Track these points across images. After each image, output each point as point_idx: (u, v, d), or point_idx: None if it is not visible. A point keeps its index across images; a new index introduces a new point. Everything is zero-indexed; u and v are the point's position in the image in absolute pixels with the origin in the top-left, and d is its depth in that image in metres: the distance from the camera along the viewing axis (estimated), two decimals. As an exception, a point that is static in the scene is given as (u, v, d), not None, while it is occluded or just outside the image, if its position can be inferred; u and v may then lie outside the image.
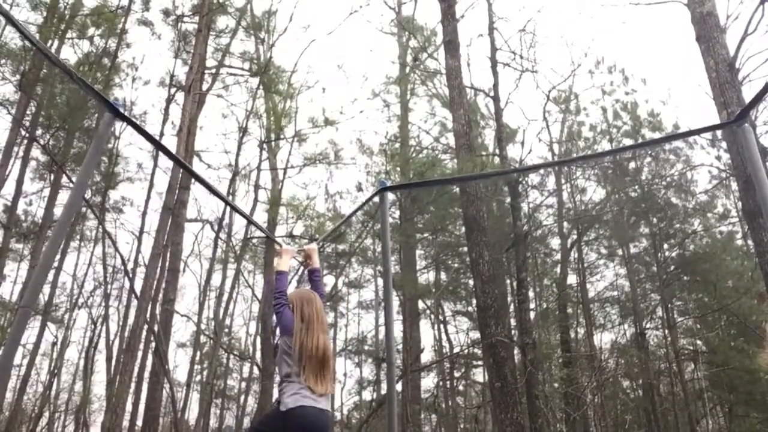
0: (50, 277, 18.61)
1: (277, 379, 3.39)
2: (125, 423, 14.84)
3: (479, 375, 22.90)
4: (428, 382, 22.87)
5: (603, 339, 21.75)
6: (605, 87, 18.12)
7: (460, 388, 24.93)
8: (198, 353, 20.82)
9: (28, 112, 14.02)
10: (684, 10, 10.34)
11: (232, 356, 24.24)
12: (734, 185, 16.86)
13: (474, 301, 14.47)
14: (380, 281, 22.39)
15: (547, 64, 30.29)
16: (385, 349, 21.91)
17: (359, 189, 15.56)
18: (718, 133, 13.18)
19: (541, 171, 16.53)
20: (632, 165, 18.34)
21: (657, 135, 18.63)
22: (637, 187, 18.64)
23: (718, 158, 17.96)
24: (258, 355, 18.86)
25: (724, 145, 15.39)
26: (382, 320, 22.57)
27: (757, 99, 3.84)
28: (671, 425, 19.81)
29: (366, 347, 23.97)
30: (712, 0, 9.84)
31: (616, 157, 17.49)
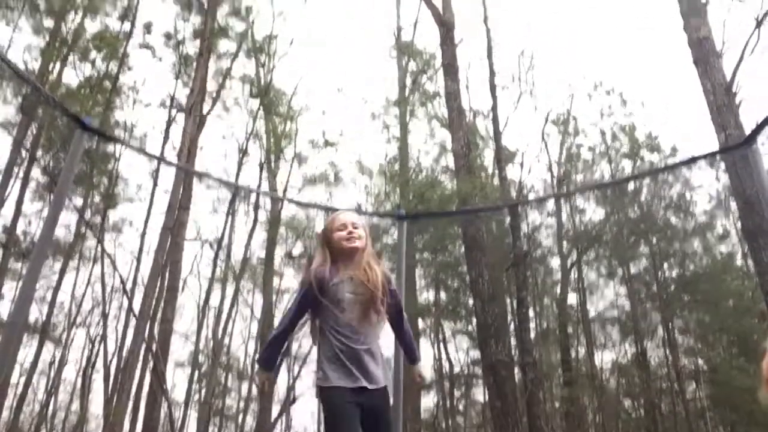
0: (48, 296, 18.59)
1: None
2: (123, 443, 14.73)
3: (479, 394, 22.77)
4: (428, 401, 22.72)
5: (604, 358, 21.66)
6: (603, 109, 18.25)
7: (460, 407, 24.76)
8: (196, 372, 20.72)
9: (28, 133, 14.09)
10: (682, 33, 10.44)
11: (230, 375, 24.12)
12: (733, 206, 16.91)
13: (474, 321, 14.45)
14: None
15: (546, 86, 30.44)
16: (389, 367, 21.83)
17: (359, 211, 15.54)
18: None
19: (540, 192, 16.61)
20: (631, 186, 18.41)
21: (655, 156, 18.72)
22: (636, 207, 18.68)
23: (717, 179, 18.04)
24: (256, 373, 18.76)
25: (722, 165, 15.47)
26: (383, 340, 22.45)
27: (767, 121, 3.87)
28: (673, 445, 19.68)
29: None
30: (707, 25, 9.94)
31: (614, 179, 17.57)
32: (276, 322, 17.56)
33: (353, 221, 2.91)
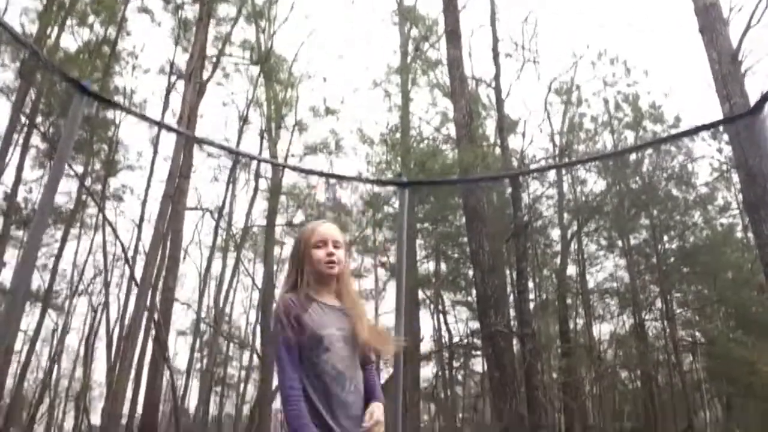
0: (50, 264, 18.66)
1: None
2: (125, 410, 14.91)
3: (478, 365, 23.00)
4: (427, 371, 22.97)
5: (602, 330, 21.80)
6: (607, 78, 18.04)
7: (459, 377, 25.04)
8: (198, 341, 20.90)
9: (27, 99, 13.99)
10: (688, 1, 10.28)
11: (231, 344, 24.33)
12: (735, 177, 16.84)
13: (474, 292, 14.49)
14: (381, 271, 22.42)
15: (549, 55, 30.14)
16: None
17: (360, 180, 15.50)
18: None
19: (542, 162, 16.52)
20: (633, 157, 18.31)
21: (658, 127, 18.58)
22: (637, 178, 18.60)
23: (720, 150, 17.93)
24: (258, 343, 18.93)
25: (725, 137, 15.37)
26: (382, 309, 22.58)
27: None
28: (669, 416, 19.90)
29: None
30: (715, -9, 9.79)
31: (617, 149, 17.47)
32: (277, 293, 17.65)
33: (335, 239, 2.42)
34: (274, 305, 2.38)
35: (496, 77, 13.86)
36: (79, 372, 23.13)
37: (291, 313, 2.26)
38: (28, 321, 20.08)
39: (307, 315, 2.27)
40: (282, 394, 2.23)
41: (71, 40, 15.32)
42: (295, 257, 2.44)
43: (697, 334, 20.24)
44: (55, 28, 12.82)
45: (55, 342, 21.74)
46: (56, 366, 21.94)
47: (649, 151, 18.20)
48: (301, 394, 2.20)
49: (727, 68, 9.31)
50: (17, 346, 18.79)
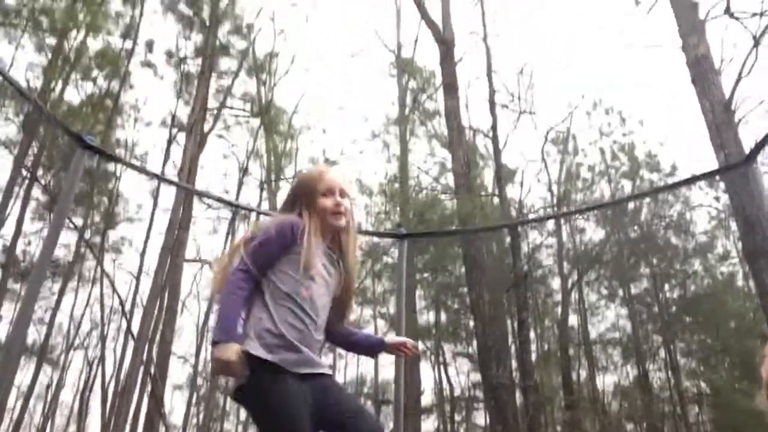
0: (47, 317, 18.48)
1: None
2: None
3: (480, 418, 22.53)
4: (429, 425, 22.48)
5: (606, 381, 21.47)
6: (603, 128, 18.32)
7: (461, 431, 24.50)
8: (195, 395, 20.52)
9: (29, 152, 14.13)
10: (680, 53, 10.51)
11: (229, 398, 23.89)
12: (733, 226, 16.88)
13: (474, 343, 14.33)
14: (380, 322, 22.22)
15: (545, 105, 30.62)
16: (383, 392, 21.47)
17: (359, 231, 15.50)
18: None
19: (540, 212, 16.60)
20: (631, 206, 18.41)
21: (655, 176, 18.74)
22: (636, 227, 18.65)
23: (717, 199, 18.03)
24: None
25: (722, 185, 15.47)
26: (382, 361, 22.30)
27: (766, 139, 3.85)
28: (677, 470, 19.42)
29: (365, 389, 23.65)
30: (706, 43, 10.00)
31: (614, 198, 17.59)
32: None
33: (343, 187, 2.18)
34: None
35: (493, 128, 14.06)
36: (72, 429, 22.64)
37: (295, 229, 2.05)
38: (22, 376, 19.75)
39: (305, 240, 2.05)
40: (231, 275, 1.98)
41: (75, 93, 15.62)
42: (296, 204, 2.17)
43: (702, 384, 19.94)
44: (60, 82, 13.07)
45: (49, 397, 21.36)
46: (50, 422, 21.50)
47: (647, 200, 18.31)
48: (251, 287, 1.98)
49: (720, 117, 9.44)
50: (10, 402, 18.43)
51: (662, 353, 19.60)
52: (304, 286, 2.02)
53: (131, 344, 14.43)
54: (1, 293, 15.06)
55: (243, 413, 25.24)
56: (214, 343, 1.88)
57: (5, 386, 3.08)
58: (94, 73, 14.21)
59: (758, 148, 3.88)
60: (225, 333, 1.89)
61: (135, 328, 13.76)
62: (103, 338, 19.84)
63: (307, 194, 2.16)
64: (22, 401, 18.13)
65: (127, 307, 17.26)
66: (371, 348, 2.41)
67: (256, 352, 1.89)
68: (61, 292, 18.00)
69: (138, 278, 18.60)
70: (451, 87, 12.37)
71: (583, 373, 20.58)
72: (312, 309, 2.02)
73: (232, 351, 1.86)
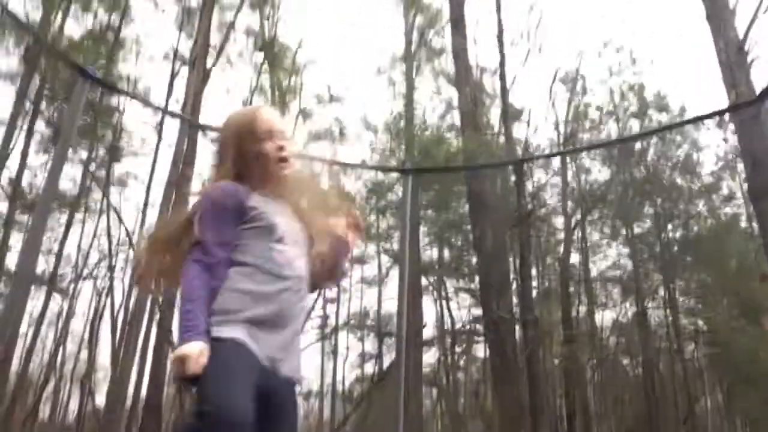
0: (55, 248, 18.74)
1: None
2: (130, 392, 15.05)
3: (480, 351, 23.10)
4: (430, 357, 23.07)
5: (604, 318, 21.85)
6: (612, 68, 17.96)
7: (461, 363, 25.14)
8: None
9: (31, 85, 14.00)
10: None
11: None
12: (740, 167, 16.79)
13: (476, 279, 14.54)
14: (384, 257, 22.47)
15: (555, 44, 29.93)
16: (386, 324, 21.89)
17: (364, 167, 15.53)
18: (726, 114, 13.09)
19: (546, 151, 16.50)
20: (638, 146, 18.26)
21: (664, 116, 18.50)
22: (642, 167, 18.57)
23: (725, 140, 17.87)
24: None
25: (731, 126, 15.31)
26: (385, 295, 22.66)
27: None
28: (670, 403, 19.99)
29: (368, 322, 24.13)
30: (722, -21, 9.72)
31: (621, 138, 17.45)
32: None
33: (283, 129, 1.86)
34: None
35: (501, 65, 13.81)
36: (84, 355, 23.29)
37: (231, 197, 1.73)
38: (33, 304, 20.18)
39: (252, 201, 1.75)
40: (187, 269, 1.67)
41: (75, 26, 15.32)
42: (229, 153, 1.83)
43: (699, 322, 20.28)
44: (59, 15, 12.83)
45: (60, 325, 21.87)
46: (61, 349, 22.10)
47: (654, 140, 18.16)
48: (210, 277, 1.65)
49: (733, 57, 9.26)
50: (23, 329, 18.92)
51: (661, 291, 19.86)
52: (276, 251, 1.72)
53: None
54: (9, 224, 15.24)
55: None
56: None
57: (17, 311, 3.19)
58: (94, 5, 13.89)
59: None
60: (188, 332, 1.58)
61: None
62: (111, 269, 20.14)
63: (241, 142, 1.82)
64: (34, 328, 18.62)
65: (134, 238, 17.46)
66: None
67: (218, 333, 1.59)
68: (69, 224, 18.20)
69: (144, 211, 18.74)
70: (458, 23, 12.10)
71: (583, 310, 20.93)
72: (289, 274, 1.72)
73: (197, 348, 1.54)
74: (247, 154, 1.81)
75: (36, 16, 12.78)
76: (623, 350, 21.17)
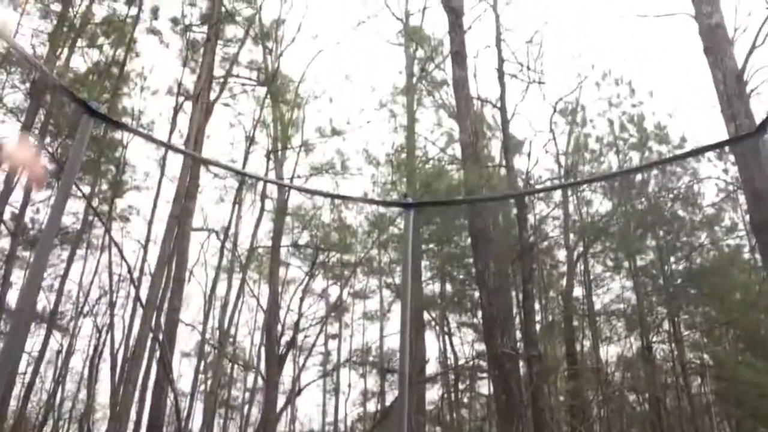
0: (56, 284, 18.66)
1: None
2: (129, 430, 14.80)
3: (484, 387, 22.77)
4: (433, 394, 22.76)
5: (609, 352, 21.61)
6: (612, 99, 18.14)
7: (465, 400, 24.79)
8: (202, 363, 20.78)
9: (36, 120, 14.11)
10: (692, 21, 10.34)
11: (236, 366, 24.19)
12: (742, 198, 16.79)
13: (479, 313, 14.41)
14: (386, 292, 22.35)
15: (554, 75, 30.26)
16: (388, 360, 21.65)
17: (366, 201, 15.55)
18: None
19: (547, 183, 16.53)
20: (639, 177, 18.31)
21: (664, 147, 18.60)
22: (643, 199, 18.58)
23: (725, 171, 17.91)
24: (262, 365, 18.82)
25: (731, 158, 15.36)
26: (387, 330, 22.47)
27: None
28: (678, 440, 19.64)
29: (370, 358, 23.89)
30: (719, 12, 9.84)
31: (622, 170, 17.51)
32: (282, 314, 17.65)
33: None
34: None
35: (502, 98, 13.93)
36: (83, 394, 22.99)
37: None
38: (33, 342, 20.03)
39: None
40: None
41: (80, 61, 15.52)
42: None
43: (705, 356, 20.05)
44: (65, 50, 13.01)
45: (59, 363, 21.65)
46: (60, 387, 21.83)
47: (655, 171, 18.21)
48: None
49: (732, 89, 9.33)
50: (22, 367, 18.73)
51: (666, 325, 19.67)
52: None
53: (140, 311, 14.57)
54: (10, 260, 15.19)
55: (250, 380, 25.57)
56: None
57: (17, 350, 3.14)
58: (100, 40, 14.10)
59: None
60: None
61: (143, 295, 13.87)
62: (111, 305, 20.02)
63: None
64: (33, 366, 18.41)
65: (136, 274, 17.39)
66: None
67: None
68: (70, 260, 18.15)
69: (146, 247, 18.71)
70: (459, 56, 12.24)
71: (587, 344, 20.70)
72: None
73: None
74: None
75: (43, 51, 12.99)
76: (629, 386, 20.88)
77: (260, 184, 17.60)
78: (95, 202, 17.95)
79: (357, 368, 24.59)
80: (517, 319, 16.40)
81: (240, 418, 26.80)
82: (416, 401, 16.87)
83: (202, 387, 22.51)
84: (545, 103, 19.36)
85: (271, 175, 16.64)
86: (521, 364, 13.44)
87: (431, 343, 24.47)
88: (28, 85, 13.27)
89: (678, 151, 18.02)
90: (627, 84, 17.96)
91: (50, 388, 21.85)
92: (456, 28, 12.46)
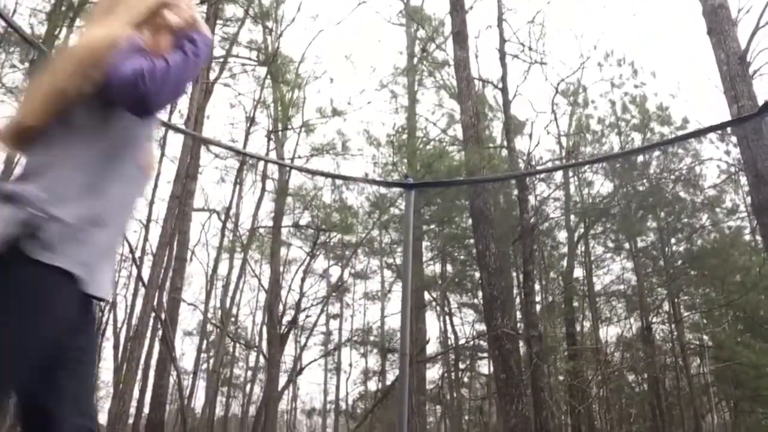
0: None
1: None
2: (132, 409, 14.96)
3: (484, 367, 22.95)
4: (433, 373, 22.95)
5: (609, 333, 21.73)
6: (614, 80, 18.02)
7: (465, 379, 24.98)
8: (204, 342, 20.93)
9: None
10: (695, 2, 10.25)
11: (238, 345, 24.37)
12: (743, 180, 16.76)
13: (480, 293, 14.47)
14: (387, 273, 22.43)
15: (556, 56, 30.13)
16: (389, 340, 21.78)
17: (367, 181, 15.52)
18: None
19: (548, 164, 16.50)
20: (640, 158, 18.26)
21: (666, 129, 18.53)
22: (645, 180, 18.55)
23: (727, 153, 17.85)
24: (264, 344, 18.96)
25: (733, 139, 15.30)
26: (388, 310, 22.57)
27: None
28: (676, 420, 19.80)
29: (371, 338, 24.04)
30: (723, -8, 9.75)
31: (624, 151, 17.46)
32: (283, 294, 17.75)
33: None
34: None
35: (503, 78, 13.83)
36: (86, 372, 23.16)
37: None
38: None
39: None
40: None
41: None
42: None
43: (704, 337, 20.15)
44: (64, 29, 12.90)
45: (62, 342, 21.81)
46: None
47: (657, 153, 18.16)
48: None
49: (735, 70, 9.26)
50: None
51: (666, 306, 19.75)
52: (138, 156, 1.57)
53: (142, 291, 14.65)
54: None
55: (252, 359, 25.77)
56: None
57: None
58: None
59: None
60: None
61: (145, 275, 13.94)
62: (113, 285, 20.12)
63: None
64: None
65: (137, 254, 17.45)
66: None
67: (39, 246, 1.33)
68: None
69: (147, 226, 18.75)
70: (460, 36, 12.13)
71: (587, 325, 20.81)
72: (141, 184, 1.61)
73: None
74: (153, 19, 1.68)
75: (41, 30, 12.91)
76: (628, 366, 21.01)
77: (261, 165, 17.60)
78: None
79: (358, 348, 24.77)
80: (518, 300, 16.49)
81: (242, 396, 27.07)
82: (417, 380, 17.01)
83: (205, 366, 22.71)
84: (547, 83, 19.29)
85: (272, 156, 16.62)
86: (521, 344, 13.52)
87: (432, 323, 24.65)
88: (27, 65, 13.21)
89: (680, 133, 17.93)
90: (629, 65, 17.83)
91: (54, 366, 22.07)
92: (457, 8, 12.34)
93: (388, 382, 20.67)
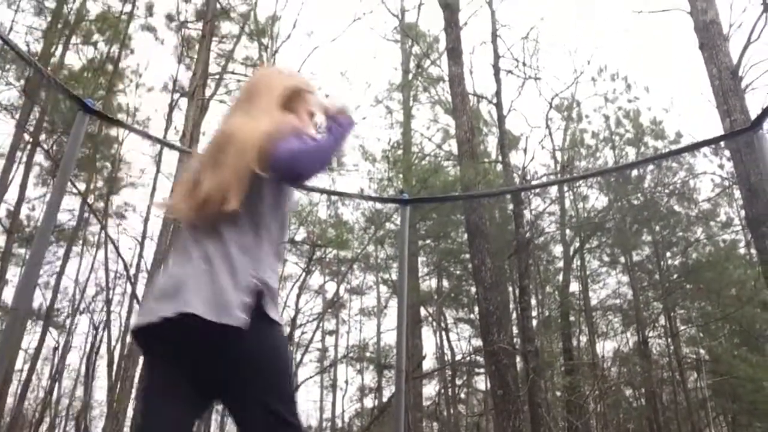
0: (52, 281, 18.64)
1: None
2: (126, 429, 14.81)
3: (481, 383, 22.84)
4: (430, 389, 22.83)
5: (605, 347, 21.68)
6: (608, 95, 18.15)
7: (462, 395, 24.85)
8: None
9: (31, 117, 14.07)
10: (687, 17, 10.36)
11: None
12: (737, 193, 16.83)
13: (476, 309, 14.43)
14: (383, 288, 22.38)
15: (550, 71, 30.33)
16: (385, 356, 21.69)
17: (362, 197, 15.54)
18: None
19: (543, 179, 16.54)
20: (635, 173, 18.34)
21: (660, 143, 18.63)
22: (639, 194, 18.61)
23: (721, 167, 17.95)
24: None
25: (727, 153, 15.39)
26: (384, 326, 22.49)
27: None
28: (674, 434, 19.72)
29: (368, 354, 23.93)
30: (714, 8, 9.86)
31: (618, 165, 17.54)
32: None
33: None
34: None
35: (498, 94, 13.91)
36: (79, 391, 22.99)
37: None
38: (30, 339, 20.02)
39: None
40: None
41: (75, 58, 15.49)
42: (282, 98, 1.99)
43: (701, 351, 20.12)
44: (60, 47, 12.96)
45: (56, 360, 21.62)
46: (57, 385, 21.81)
47: (651, 167, 18.24)
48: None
49: (727, 84, 9.35)
50: (18, 365, 18.71)
51: (662, 320, 19.73)
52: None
53: (136, 308, 14.57)
54: (6, 258, 15.16)
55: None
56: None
57: (13, 347, 3.14)
58: (95, 37, 14.08)
59: (765, 113, 3.83)
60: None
61: (140, 292, 13.86)
62: (108, 302, 20.00)
63: (300, 94, 2.07)
64: (30, 364, 18.40)
65: (132, 271, 17.38)
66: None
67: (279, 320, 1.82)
68: (66, 257, 18.13)
69: (142, 243, 18.71)
70: (455, 52, 12.22)
71: (584, 339, 20.76)
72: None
73: None
74: (298, 107, 2.10)
75: (37, 48, 12.96)
76: (625, 381, 20.94)
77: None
78: (91, 199, 17.92)
79: (354, 364, 24.63)
80: (514, 315, 16.45)
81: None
82: (413, 397, 16.90)
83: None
84: (541, 98, 19.40)
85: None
86: (518, 359, 13.47)
87: (428, 339, 24.54)
88: (22, 82, 13.23)
89: (674, 147, 18.03)
90: (623, 79, 17.97)
91: (47, 385, 21.85)
92: (452, 25, 12.45)
93: (385, 399, 20.54)
